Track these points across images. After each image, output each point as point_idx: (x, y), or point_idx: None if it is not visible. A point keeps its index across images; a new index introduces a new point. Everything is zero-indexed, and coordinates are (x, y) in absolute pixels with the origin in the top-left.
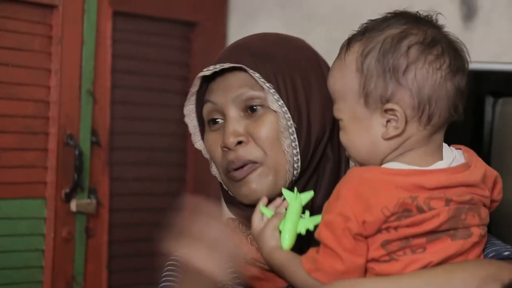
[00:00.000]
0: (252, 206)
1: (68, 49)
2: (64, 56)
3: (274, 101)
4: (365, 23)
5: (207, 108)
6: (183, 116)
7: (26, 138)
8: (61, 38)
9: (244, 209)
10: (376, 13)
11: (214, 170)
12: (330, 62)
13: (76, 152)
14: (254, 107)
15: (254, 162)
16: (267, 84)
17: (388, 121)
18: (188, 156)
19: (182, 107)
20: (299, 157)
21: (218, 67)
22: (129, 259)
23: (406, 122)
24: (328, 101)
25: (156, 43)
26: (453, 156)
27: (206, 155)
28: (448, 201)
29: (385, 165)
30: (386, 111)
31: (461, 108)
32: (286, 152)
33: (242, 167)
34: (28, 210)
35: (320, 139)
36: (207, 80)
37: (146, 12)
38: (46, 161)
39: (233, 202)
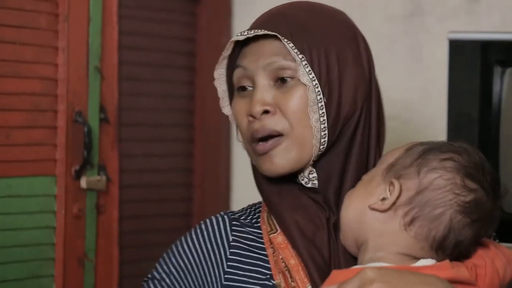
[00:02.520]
0: (276, 180)
1: (74, 27)
2: (71, 33)
3: (305, 74)
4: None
5: (237, 73)
6: (190, 91)
7: (35, 116)
8: (67, 15)
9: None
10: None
11: (239, 138)
12: None
13: (85, 129)
14: (285, 78)
15: (279, 134)
16: (300, 56)
17: (383, 199)
18: (196, 132)
19: (188, 82)
20: (326, 132)
21: (252, 33)
22: (140, 235)
23: (393, 204)
24: (362, 81)
25: (161, 19)
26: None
27: (233, 122)
28: None
29: (368, 265)
30: (390, 185)
31: (442, 249)
32: (313, 126)
33: (266, 140)
34: (38, 187)
35: (350, 117)
36: (240, 45)
37: None
38: (55, 139)
39: (263, 185)
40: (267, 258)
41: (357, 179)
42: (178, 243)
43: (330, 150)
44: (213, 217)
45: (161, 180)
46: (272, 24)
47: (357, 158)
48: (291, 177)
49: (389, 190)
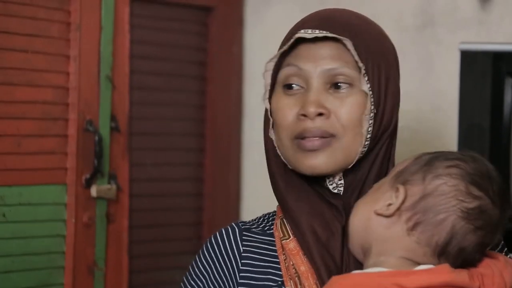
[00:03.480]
0: (312, 180)
1: (86, 35)
2: (83, 42)
3: (365, 83)
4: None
5: (290, 70)
6: (201, 100)
7: (46, 124)
8: (79, 24)
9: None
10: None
11: (272, 133)
12: None
13: (96, 138)
14: (339, 84)
15: (331, 135)
16: (361, 65)
17: (389, 204)
18: (207, 141)
19: (199, 92)
20: (369, 142)
21: (320, 34)
22: (150, 244)
23: (398, 209)
24: (398, 97)
25: (173, 28)
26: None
27: (269, 117)
28: None
29: (368, 270)
30: (396, 190)
31: (445, 255)
32: (363, 134)
33: (316, 138)
34: (48, 196)
35: (385, 131)
36: (294, 43)
37: None
38: (66, 147)
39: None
40: (279, 266)
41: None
42: (194, 263)
43: (361, 160)
44: (223, 229)
45: (171, 189)
46: (335, 28)
47: (378, 168)
48: (315, 182)
49: (395, 196)
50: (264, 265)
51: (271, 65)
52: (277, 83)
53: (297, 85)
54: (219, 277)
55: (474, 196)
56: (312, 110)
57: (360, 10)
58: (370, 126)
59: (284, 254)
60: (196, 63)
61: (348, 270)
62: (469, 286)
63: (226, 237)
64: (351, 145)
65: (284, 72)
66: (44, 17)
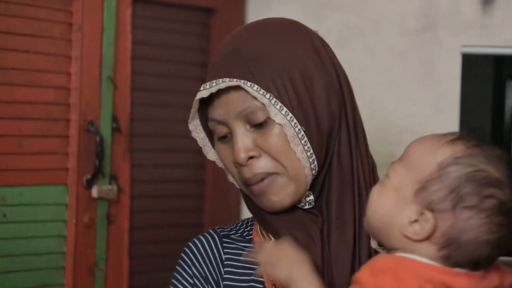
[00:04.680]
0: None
1: (88, 36)
2: (84, 43)
3: (278, 112)
4: (482, 142)
5: (212, 125)
6: None
7: (47, 125)
8: (81, 25)
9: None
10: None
11: (231, 178)
12: (347, 48)
13: (97, 139)
14: (259, 121)
15: (273, 173)
16: (267, 96)
17: (416, 220)
18: None
19: None
20: (314, 157)
21: (214, 87)
22: (150, 245)
23: (427, 238)
24: (332, 89)
25: (175, 30)
26: None
27: (220, 165)
28: None
29: (411, 256)
30: (422, 214)
31: (483, 265)
32: (300, 158)
33: (261, 180)
34: (49, 196)
35: (330, 131)
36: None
37: None
38: (67, 148)
39: (254, 206)
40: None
41: (340, 182)
42: (178, 274)
43: (321, 170)
44: (201, 237)
45: (172, 190)
46: (231, 68)
47: (340, 165)
48: None
49: (423, 220)
50: (246, 272)
51: (194, 125)
52: (213, 134)
53: (227, 133)
54: (206, 285)
55: (505, 224)
56: (242, 156)
57: (361, 14)
58: (305, 145)
59: None
60: (198, 65)
61: (329, 274)
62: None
63: (208, 245)
64: (295, 171)
65: (210, 126)
66: (46, 18)
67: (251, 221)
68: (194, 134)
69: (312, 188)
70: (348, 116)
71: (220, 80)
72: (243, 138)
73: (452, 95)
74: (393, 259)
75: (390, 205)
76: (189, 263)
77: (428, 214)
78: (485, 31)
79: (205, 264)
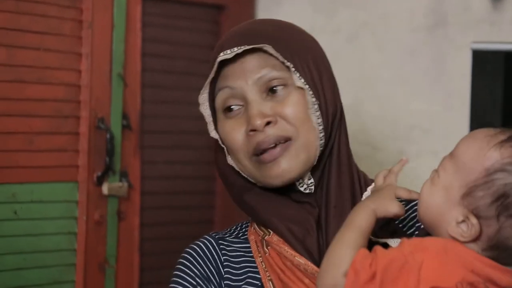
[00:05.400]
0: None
1: (98, 33)
2: (95, 40)
3: (298, 79)
4: None
5: (223, 94)
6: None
7: (58, 122)
8: (91, 22)
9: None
10: None
11: (230, 160)
12: (357, 45)
13: (108, 136)
14: (275, 88)
15: (287, 139)
16: (288, 63)
17: (463, 221)
18: None
19: None
20: (323, 133)
21: (239, 49)
22: (161, 241)
23: (473, 241)
24: (334, 83)
25: (185, 27)
26: None
27: (222, 145)
28: None
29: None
30: (468, 218)
31: None
32: (316, 128)
33: (273, 147)
34: (60, 193)
35: (334, 117)
36: (219, 67)
37: None
38: (78, 145)
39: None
40: (257, 269)
41: (339, 177)
42: (177, 276)
43: (323, 154)
44: (199, 242)
45: (183, 187)
46: (253, 39)
47: (337, 157)
48: (285, 189)
49: (469, 223)
50: (243, 271)
51: (204, 97)
52: (217, 111)
53: (236, 105)
54: (209, 285)
55: None
56: (258, 122)
57: (372, 10)
58: (318, 118)
59: (260, 257)
60: (208, 62)
61: None
62: None
63: (206, 248)
64: (309, 141)
65: (219, 98)
66: (56, 15)
67: (246, 223)
68: (202, 108)
69: (312, 173)
70: (343, 110)
71: (242, 46)
72: (260, 105)
73: (462, 92)
74: (445, 242)
75: (440, 203)
76: (190, 265)
77: (473, 220)
78: (495, 27)
79: (206, 266)
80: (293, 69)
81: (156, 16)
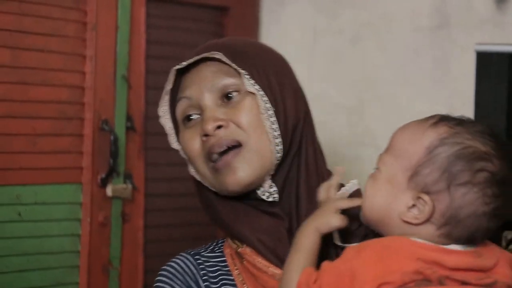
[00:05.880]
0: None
1: (102, 35)
2: (99, 42)
3: (250, 84)
4: (463, 117)
5: (181, 105)
6: None
7: (62, 124)
8: (95, 24)
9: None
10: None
11: (192, 170)
12: (360, 46)
13: (112, 137)
14: (230, 95)
15: (237, 144)
16: (240, 70)
17: (413, 205)
18: None
19: None
20: (280, 139)
21: (192, 59)
22: (165, 243)
23: (427, 220)
24: (299, 95)
25: (189, 28)
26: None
27: (184, 155)
28: (464, 284)
29: (408, 237)
30: (419, 198)
31: (481, 238)
32: (268, 132)
33: (225, 152)
34: (64, 195)
35: (295, 127)
36: (178, 79)
37: None
38: (82, 147)
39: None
40: (234, 282)
41: (308, 185)
42: None
43: (284, 161)
44: (176, 260)
45: (187, 189)
46: (206, 49)
47: (306, 164)
48: (250, 198)
49: (421, 205)
50: (221, 284)
51: (164, 110)
52: (179, 122)
53: (194, 114)
54: None
55: (499, 194)
56: (209, 126)
57: (374, 11)
58: (273, 124)
59: (237, 269)
60: None
61: None
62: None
63: (184, 265)
64: (261, 145)
65: (178, 109)
66: (60, 17)
67: (222, 240)
68: (162, 120)
69: (274, 181)
70: (312, 123)
71: (198, 56)
72: (213, 110)
73: (466, 93)
74: (383, 239)
75: (386, 196)
76: (171, 282)
77: (425, 197)
78: (499, 28)
79: (185, 282)
80: (245, 74)
81: (160, 18)
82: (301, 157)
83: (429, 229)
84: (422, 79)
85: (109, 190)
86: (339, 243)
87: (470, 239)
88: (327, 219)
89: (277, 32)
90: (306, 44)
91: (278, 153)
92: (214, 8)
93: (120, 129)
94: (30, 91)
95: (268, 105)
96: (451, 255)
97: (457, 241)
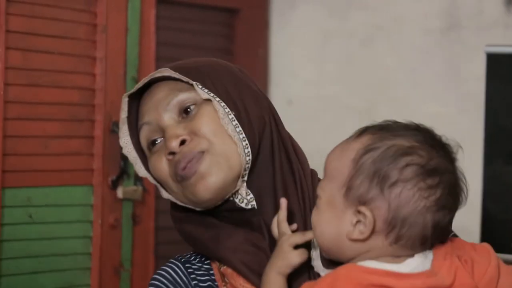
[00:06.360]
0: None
1: (112, 37)
2: (109, 44)
3: (205, 93)
4: (388, 121)
5: (143, 132)
6: None
7: (72, 126)
8: (105, 26)
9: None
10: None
11: (165, 194)
12: (370, 48)
13: None
14: (188, 109)
15: (202, 152)
16: (191, 81)
17: (358, 221)
18: None
19: None
20: (247, 141)
21: (140, 82)
22: (176, 245)
23: (373, 232)
24: (261, 101)
25: (198, 30)
26: (421, 260)
27: (153, 181)
28: None
29: (359, 263)
30: (359, 212)
31: (431, 241)
32: (232, 135)
33: (190, 161)
34: (75, 197)
35: (263, 132)
36: (135, 109)
37: (188, 0)
38: (92, 148)
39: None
40: None
41: (286, 193)
42: None
43: (256, 167)
44: (167, 268)
45: None
46: (158, 71)
47: (282, 172)
48: (227, 210)
49: (362, 219)
50: None
51: (125, 140)
52: (144, 149)
53: (158, 137)
54: None
55: (435, 184)
56: (173, 143)
57: (385, 13)
58: (236, 127)
59: (224, 281)
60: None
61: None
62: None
63: (174, 272)
64: (225, 148)
65: (141, 137)
66: (70, 19)
67: None
68: (125, 151)
69: (252, 188)
70: (279, 127)
71: (146, 78)
72: (174, 127)
73: (477, 95)
74: (334, 272)
75: (330, 221)
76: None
77: (363, 209)
78: (509, 30)
79: (177, 285)
80: (197, 84)
81: (170, 20)
82: (275, 165)
83: (379, 240)
84: (433, 80)
85: (119, 192)
86: (317, 269)
87: (424, 241)
88: (287, 260)
89: (287, 34)
90: (316, 46)
91: (247, 156)
92: (224, 10)
93: None
94: (41, 93)
95: (227, 109)
96: (401, 279)
97: (412, 248)
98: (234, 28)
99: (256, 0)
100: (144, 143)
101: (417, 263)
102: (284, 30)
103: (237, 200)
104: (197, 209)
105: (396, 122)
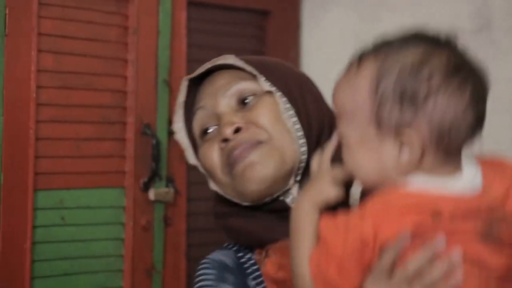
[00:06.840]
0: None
1: (143, 39)
2: (140, 46)
3: (264, 83)
4: (378, 42)
5: (198, 117)
6: None
7: (104, 128)
8: (136, 28)
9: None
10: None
11: (212, 185)
12: None
13: (153, 141)
14: (246, 100)
15: (259, 142)
16: (252, 70)
17: (402, 147)
18: None
19: None
20: (305, 140)
21: (202, 68)
22: (208, 247)
23: (423, 151)
24: (322, 102)
25: (230, 32)
26: (472, 174)
27: (203, 171)
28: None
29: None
30: (401, 138)
31: (480, 133)
32: (291, 131)
33: (245, 149)
34: (107, 199)
35: (321, 131)
36: (193, 94)
37: (219, 2)
38: (124, 151)
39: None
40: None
41: None
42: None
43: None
44: (218, 253)
45: None
46: (223, 57)
47: None
48: (275, 211)
49: (406, 141)
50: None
51: (178, 126)
52: (197, 138)
53: (212, 125)
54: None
55: (464, 79)
56: (228, 130)
57: (415, 14)
58: (296, 124)
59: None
60: None
61: None
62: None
63: (226, 258)
64: (283, 143)
65: (195, 123)
66: (101, 21)
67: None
68: (178, 137)
69: (302, 187)
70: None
71: (209, 64)
72: (230, 115)
73: (508, 96)
74: (381, 197)
75: (369, 157)
76: (216, 271)
77: (406, 132)
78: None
79: (232, 272)
80: (260, 75)
81: (201, 22)
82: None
83: (429, 157)
84: None
85: (151, 194)
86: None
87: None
88: (325, 193)
89: (318, 36)
90: (347, 48)
91: (302, 154)
92: (255, 12)
93: (162, 133)
94: (73, 95)
95: (288, 105)
96: (449, 201)
97: (457, 152)
98: (265, 30)
99: (287, 2)
100: (197, 129)
101: (469, 176)
102: (316, 32)
103: (287, 200)
104: (244, 204)
105: (384, 39)
